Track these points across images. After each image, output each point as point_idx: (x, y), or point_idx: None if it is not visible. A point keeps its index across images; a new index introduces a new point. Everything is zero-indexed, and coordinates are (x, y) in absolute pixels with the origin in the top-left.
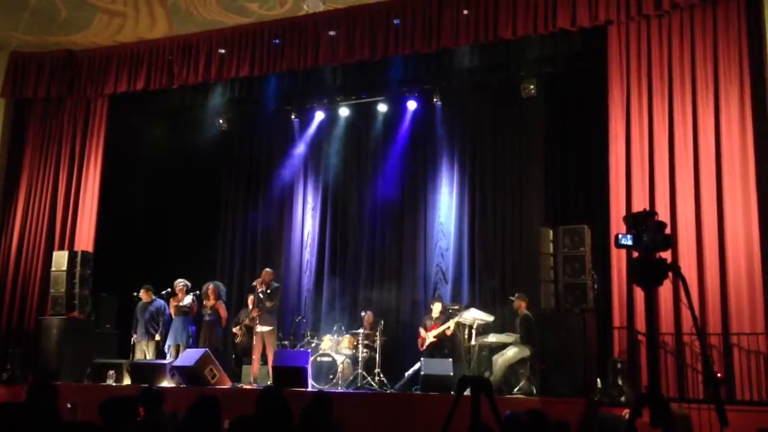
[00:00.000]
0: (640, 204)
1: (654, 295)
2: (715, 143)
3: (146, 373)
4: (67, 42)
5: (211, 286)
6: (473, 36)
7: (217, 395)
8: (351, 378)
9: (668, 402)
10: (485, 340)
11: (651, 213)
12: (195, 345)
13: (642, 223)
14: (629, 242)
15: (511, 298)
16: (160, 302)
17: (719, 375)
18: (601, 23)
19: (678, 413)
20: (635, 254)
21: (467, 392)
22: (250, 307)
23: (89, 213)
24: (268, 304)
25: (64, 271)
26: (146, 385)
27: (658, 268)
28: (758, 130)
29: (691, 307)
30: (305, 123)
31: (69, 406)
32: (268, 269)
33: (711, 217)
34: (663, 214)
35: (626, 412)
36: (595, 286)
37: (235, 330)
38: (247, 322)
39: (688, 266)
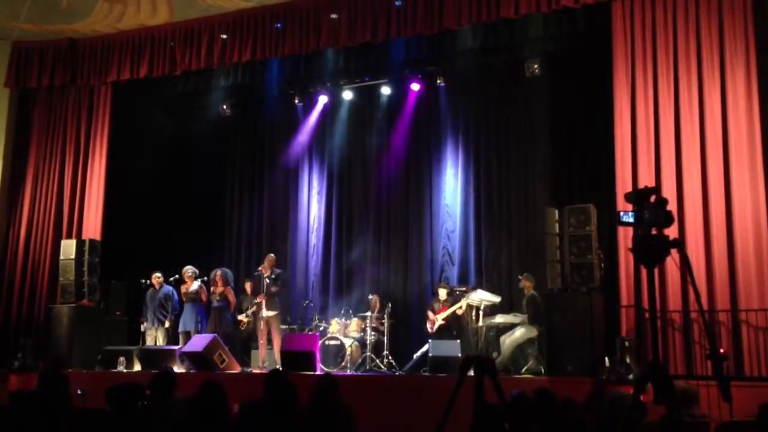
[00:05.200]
0: (646, 182)
1: (655, 272)
2: (721, 120)
3: (156, 359)
4: (69, 31)
5: (218, 272)
6: (476, 16)
7: (220, 380)
8: (359, 361)
9: (671, 378)
10: (492, 321)
11: (653, 189)
12: (205, 331)
13: (644, 199)
14: (630, 219)
15: (520, 277)
16: (169, 288)
17: (721, 350)
18: (604, 0)
19: (683, 389)
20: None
21: (471, 372)
22: (249, 292)
23: (96, 201)
24: (273, 289)
25: (72, 259)
26: (164, 367)
27: (660, 244)
28: (765, 106)
29: (693, 282)
30: (309, 107)
31: (79, 392)
32: (271, 255)
33: (718, 194)
34: (670, 192)
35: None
36: (602, 265)
37: (240, 317)
38: (253, 308)
39: (695, 244)
